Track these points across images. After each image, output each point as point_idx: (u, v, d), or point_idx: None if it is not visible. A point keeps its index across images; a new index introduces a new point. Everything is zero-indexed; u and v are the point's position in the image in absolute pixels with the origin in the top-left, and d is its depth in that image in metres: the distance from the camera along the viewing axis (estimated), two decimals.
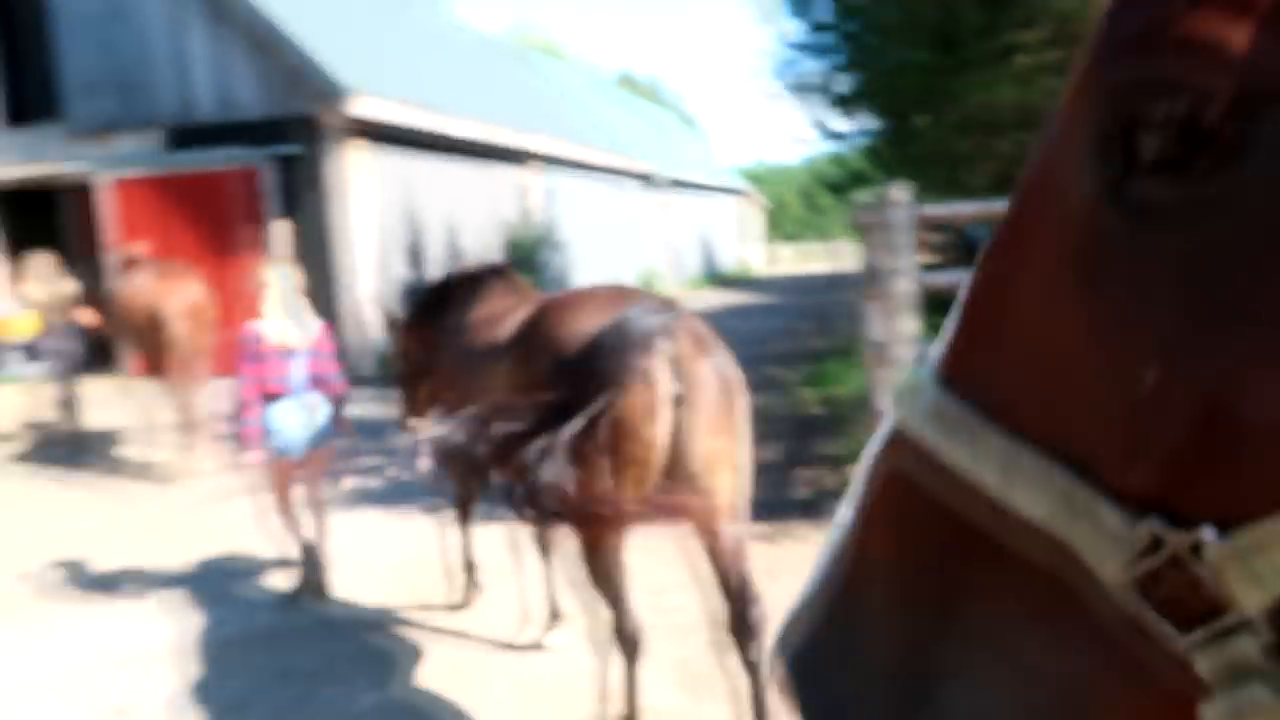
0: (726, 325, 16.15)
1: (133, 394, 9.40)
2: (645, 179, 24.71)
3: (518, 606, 4.60)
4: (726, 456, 2.97)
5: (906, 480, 0.69)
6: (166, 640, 4.57)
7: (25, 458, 8.93)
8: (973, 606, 0.66)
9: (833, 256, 59.55)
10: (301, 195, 12.21)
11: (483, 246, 15.52)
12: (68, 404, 9.39)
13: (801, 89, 10.72)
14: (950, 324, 0.69)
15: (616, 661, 3.35)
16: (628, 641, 3.18)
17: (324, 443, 4.74)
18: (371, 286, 12.33)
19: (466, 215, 14.97)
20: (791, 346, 14.69)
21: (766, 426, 9.09)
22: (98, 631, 4.73)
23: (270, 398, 4.56)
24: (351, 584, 5.27)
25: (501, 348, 3.47)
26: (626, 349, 2.80)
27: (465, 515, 4.69)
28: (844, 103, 10.69)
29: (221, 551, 5.85)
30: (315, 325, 4.74)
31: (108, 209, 12.70)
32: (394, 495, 6.96)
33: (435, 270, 14.07)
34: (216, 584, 5.34)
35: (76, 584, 5.44)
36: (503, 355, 3.43)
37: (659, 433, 2.84)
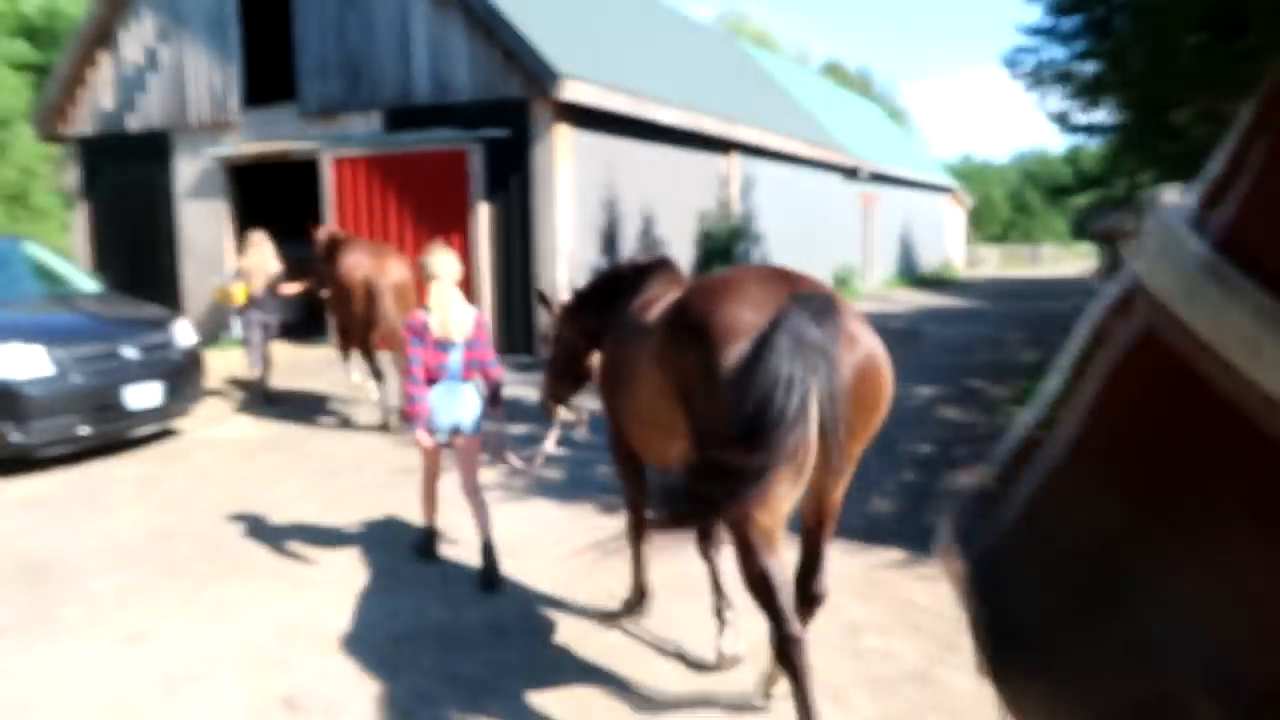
0: (925, 330, 15.14)
1: (341, 364, 9.85)
2: (848, 172, 23.77)
3: (704, 619, 4.29)
4: (857, 455, 3.12)
5: (1161, 345, 0.60)
6: (339, 628, 4.53)
7: (229, 420, 9.45)
8: (1204, 503, 0.58)
9: (1040, 261, 56.06)
10: (507, 178, 12.36)
11: (678, 234, 15.29)
12: (266, 368, 10.21)
13: (1040, 79, 9.72)
14: (1215, 171, 0.60)
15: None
16: (785, 659, 3.03)
17: (475, 429, 4.99)
18: (570, 271, 12.33)
19: (664, 202, 14.77)
20: (998, 357, 13.60)
21: (969, 447, 8.35)
22: (275, 610, 4.77)
23: (428, 383, 4.91)
24: (527, 578, 5.10)
25: (650, 330, 3.48)
26: (788, 349, 2.77)
27: (639, 521, 4.36)
28: (1088, 93, 9.61)
29: (403, 532, 5.85)
30: (470, 315, 4.97)
31: (329, 185, 13.35)
32: (574, 488, 6.79)
33: (630, 253, 13.96)
34: (394, 568, 5.31)
35: (260, 556, 5.56)
36: (650, 338, 3.42)
37: (813, 434, 2.84)
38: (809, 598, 3.34)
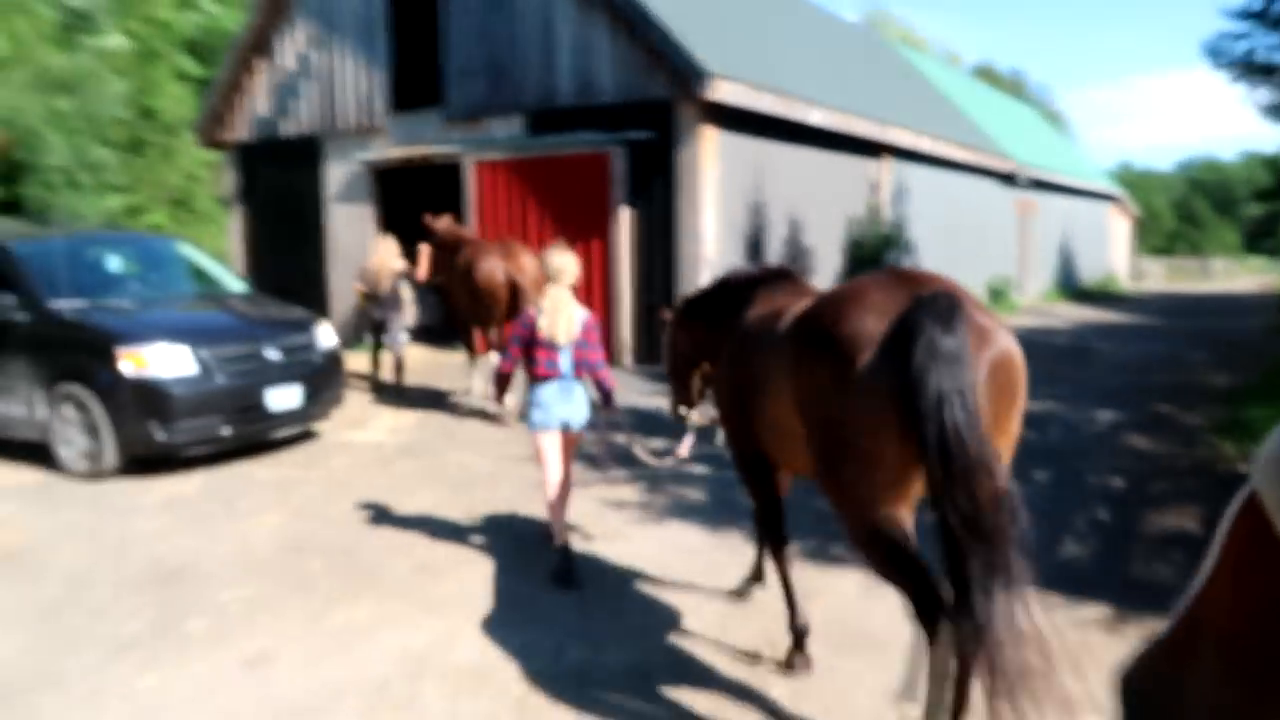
0: (1095, 348, 13.80)
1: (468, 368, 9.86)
2: (1005, 178, 22.36)
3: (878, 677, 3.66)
4: (1007, 450, 3.07)
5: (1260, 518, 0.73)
6: (470, 662, 4.12)
7: (368, 424, 9.32)
8: None
9: (1210, 275, 51.94)
10: (650, 181, 11.95)
11: (826, 241, 14.55)
12: (398, 369, 10.85)
13: (1249, 68, 8.58)
14: None
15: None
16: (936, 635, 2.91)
17: (579, 425, 5.12)
18: (711, 259, 11.82)
19: (811, 208, 14.06)
20: (1182, 379, 12.26)
21: (1168, 482, 7.33)
22: (403, 638, 4.41)
23: (540, 379, 5.02)
24: (674, 613, 4.58)
25: (779, 340, 3.47)
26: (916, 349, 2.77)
27: (778, 540, 4.13)
28: None
29: (540, 554, 5.43)
30: (581, 317, 5.06)
31: (471, 188, 13.27)
32: (719, 511, 6.24)
33: (776, 262, 13.32)
34: (531, 595, 4.88)
35: (391, 574, 5.24)
36: (780, 348, 3.41)
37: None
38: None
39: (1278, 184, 10.96)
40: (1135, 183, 70.06)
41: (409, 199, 16.25)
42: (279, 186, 15.81)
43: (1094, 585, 5.03)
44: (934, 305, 2.83)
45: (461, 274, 9.41)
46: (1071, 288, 28.90)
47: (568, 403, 5.05)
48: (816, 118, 13.25)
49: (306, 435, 8.50)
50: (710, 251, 11.78)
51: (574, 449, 5.24)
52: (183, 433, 7.09)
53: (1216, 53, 9.39)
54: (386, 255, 10.90)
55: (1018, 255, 24.09)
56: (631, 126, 11.94)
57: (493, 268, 9.04)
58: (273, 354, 7.66)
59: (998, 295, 22.02)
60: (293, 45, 15.25)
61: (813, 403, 3.11)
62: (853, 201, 15.38)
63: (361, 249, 14.87)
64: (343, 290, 15.16)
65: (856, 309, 3.00)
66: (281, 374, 7.67)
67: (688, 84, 11.22)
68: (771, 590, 4.64)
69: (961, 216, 19.98)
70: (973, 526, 2.66)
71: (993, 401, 2.91)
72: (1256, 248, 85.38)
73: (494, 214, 13.13)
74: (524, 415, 5.31)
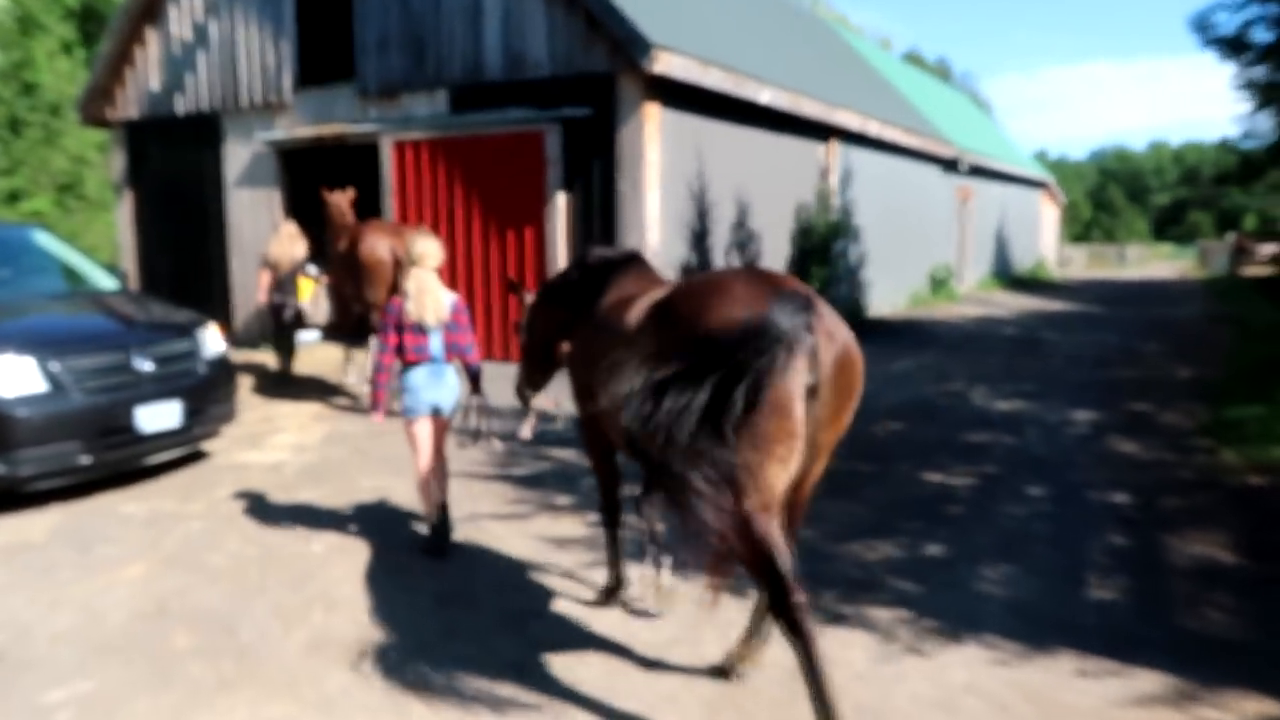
0: (1046, 339, 13.21)
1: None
2: (947, 165, 21.82)
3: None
4: (833, 443, 3.28)
5: None
6: None
7: (268, 440, 8.09)
8: None
9: (1126, 263, 52.86)
10: (588, 163, 10.87)
11: (774, 229, 13.65)
12: (286, 356, 10.89)
13: (1240, 44, 7.90)
14: None
15: None
16: (793, 626, 2.99)
17: (450, 409, 5.19)
18: (657, 249, 10.82)
19: (758, 194, 13.14)
20: (1146, 374, 11.70)
21: (1179, 498, 6.49)
22: None
23: (410, 365, 5.04)
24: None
25: (634, 330, 3.57)
26: (775, 340, 2.90)
27: (613, 508, 4.45)
28: None
29: (482, 622, 4.36)
30: (449, 301, 5.12)
31: (389, 171, 12.01)
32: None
33: (721, 252, 12.37)
34: (457, 687, 3.81)
35: (278, 655, 4.11)
36: (635, 337, 3.50)
37: (802, 418, 2.98)
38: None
39: (1241, 171, 10.54)
40: (1052, 171, 71.38)
41: (319, 182, 14.84)
42: (173, 169, 14.29)
43: (1143, 644, 4.17)
44: (792, 300, 3.01)
45: (344, 254, 9.20)
46: (1006, 276, 28.70)
47: (438, 387, 5.11)
48: (766, 97, 12.31)
49: (191, 457, 7.24)
50: (654, 239, 10.77)
51: (445, 433, 5.26)
52: (28, 464, 5.80)
53: (1203, 26, 8.77)
54: (289, 242, 10.05)
55: (958, 243, 23.64)
56: (567, 103, 10.84)
57: (375, 243, 8.83)
58: (145, 364, 6.40)
59: (939, 285, 21.50)
60: (188, 12, 13.72)
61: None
62: (800, 186, 14.52)
63: (267, 237, 13.47)
64: (247, 284, 13.73)
65: (719, 300, 3.12)
66: (156, 388, 6.41)
67: (630, 56, 10.16)
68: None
69: (905, 203, 19.34)
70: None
71: (836, 397, 3.13)
72: (1164, 235, 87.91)
73: (416, 199, 11.90)
74: (374, 402, 5.25)
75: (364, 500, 6.30)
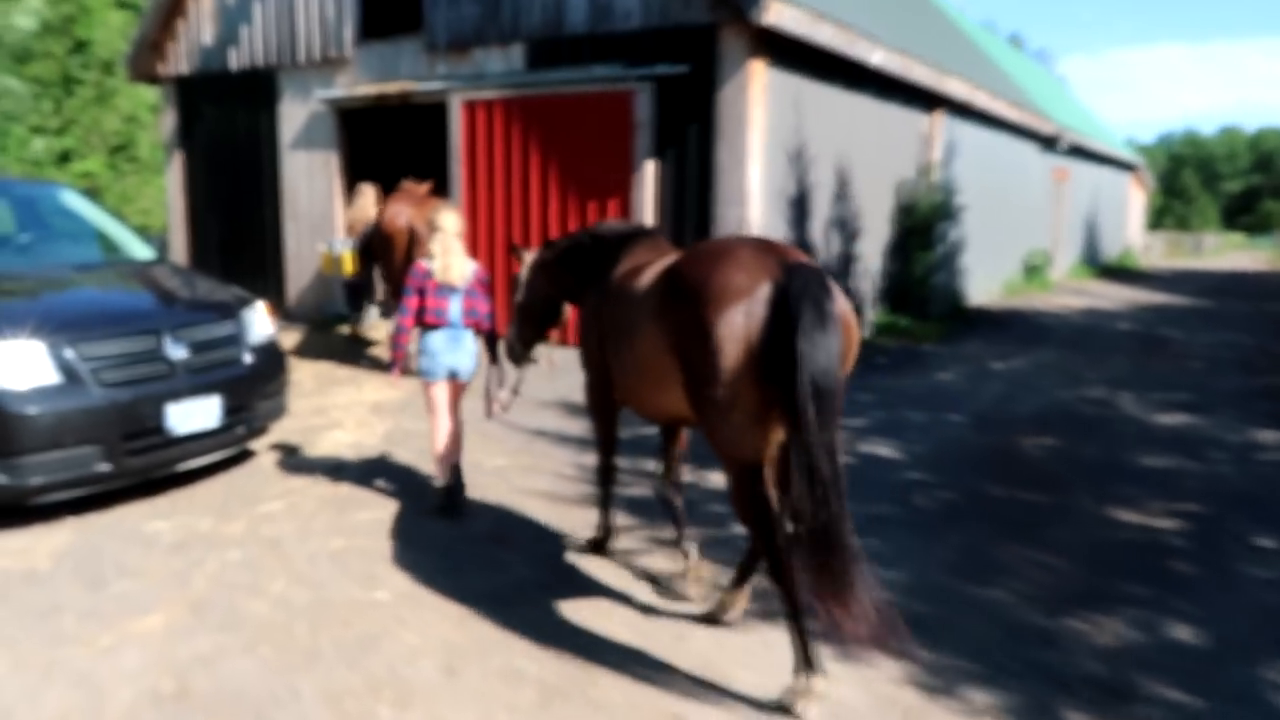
0: (1167, 336, 11.26)
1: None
2: (1045, 143, 20.14)
3: None
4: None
5: None
6: None
7: (323, 437, 7.02)
8: None
9: (1202, 252, 49.98)
10: (683, 128, 9.61)
11: (873, 207, 12.30)
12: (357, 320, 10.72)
13: None
14: None
15: None
16: (780, 572, 3.22)
17: (467, 374, 5.25)
18: (758, 223, 9.58)
19: (860, 166, 11.79)
20: None
21: None
22: None
23: (429, 328, 5.14)
24: None
25: (645, 293, 3.69)
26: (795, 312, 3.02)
27: (609, 465, 4.57)
28: None
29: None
30: (471, 267, 5.23)
31: (457, 134, 10.88)
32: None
33: (821, 231, 11.07)
34: None
35: None
36: (647, 299, 3.63)
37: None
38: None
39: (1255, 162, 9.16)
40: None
41: (381, 145, 13.82)
42: (226, 130, 13.31)
43: None
44: (802, 272, 3.12)
45: (375, 226, 9.40)
46: (1095, 263, 26.89)
47: (455, 351, 5.17)
48: (878, 58, 10.93)
49: (232, 459, 6.19)
50: (755, 215, 9.50)
51: (461, 396, 5.34)
52: (36, 471, 4.77)
53: None
54: (364, 205, 9.55)
55: (1051, 227, 21.95)
56: (661, 59, 9.59)
57: (396, 212, 8.89)
58: (178, 352, 5.33)
59: (1033, 272, 19.90)
60: None
61: (680, 346, 3.32)
62: (900, 160, 13.11)
63: (325, 204, 12.45)
64: (301, 253, 12.74)
65: (726, 265, 3.24)
66: (192, 380, 5.35)
67: (736, 5, 8.86)
68: None
69: (1004, 183, 17.78)
70: (824, 470, 2.91)
71: (842, 360, 3.21)
72: (1235, 223, 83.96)
73: (486, 165, 10.75)
74: (394, 362, 5.32)
75: (437, 525, 5.19)
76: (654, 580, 4.44)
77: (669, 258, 3.87)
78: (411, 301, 5.12)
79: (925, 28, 16.54)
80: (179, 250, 14.06)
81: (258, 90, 12.83)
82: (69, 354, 4.89)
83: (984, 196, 16.27)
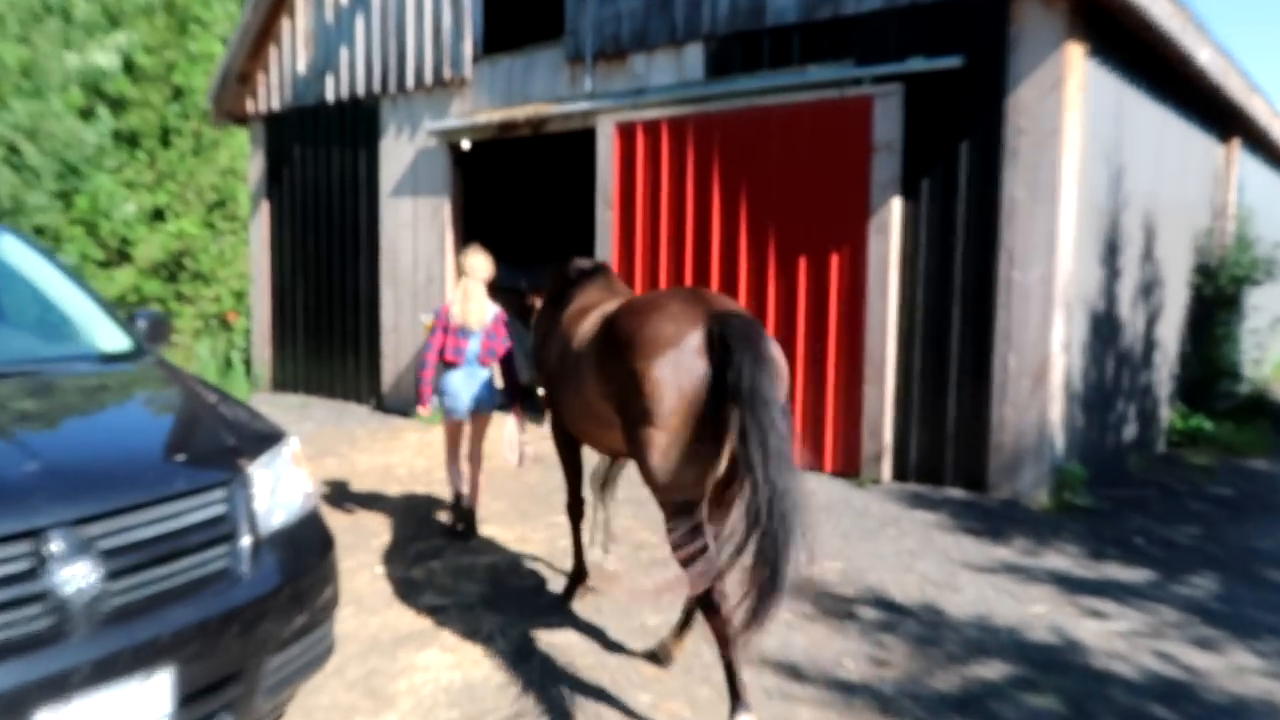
0: None
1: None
2: None
3: None
4: None
5: None
6: None
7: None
8: None
9: None
10: (947, 149, 6.49)
11: (1173, 256, 8.82)
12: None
13: None
14: None
15: None
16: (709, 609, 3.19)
17: (485, 409, 5.57)
18: (1067, 328, 6.29)
19: (1161, 209, 8.37)
20: None
21: None
22: None
23: (448, 366, 5.52)
24: None
25: (586, 340, 3.82)
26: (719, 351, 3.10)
27: (576, 502, 4.57)
28: None
29: None
30: (492, 311, 5.57)
31: (609, 169, 8.03)
32: None
33: (1130, 300, 7.72)
34: None
35: None
36: (588, 347, 3.75)
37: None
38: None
39: None
40: None
41: (503, 189, 11.14)
42: (318, 174, 10.87)
43: None
44: (730, 320, 3.17)
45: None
46: None
47: (474, 386, 5.49)
48: (1205, 56, 7.59)
49: None
50: (1063, 279, 6.24)
51: (485, 428, 5.66)
52: None
53: None
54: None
55: None
56: (911, 51, 6.54)
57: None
58: (80, 574, 2.39)
59: None
60: None
61: (617, 395, 3.40)
62: (1195, 205, 9.62)
63: (431, 264, 9.76)
64: (400, 324, 10.05)
65: (654, 317, 3.31)
66: (110, 641, 2.39)
67: None
68: None
69: None
70: (776, 502, 2.86)
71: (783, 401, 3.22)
72: None
73: (647, 206, 7.85)
74: (419, 396, 5.63)
75: None
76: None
77: (613, 303, 3.96)
78: (436, 339, 5.51)
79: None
80: (261, 322, 11.60)
81: (357, 125, 10.34)
82: None
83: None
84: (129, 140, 17.03)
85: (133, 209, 16.44)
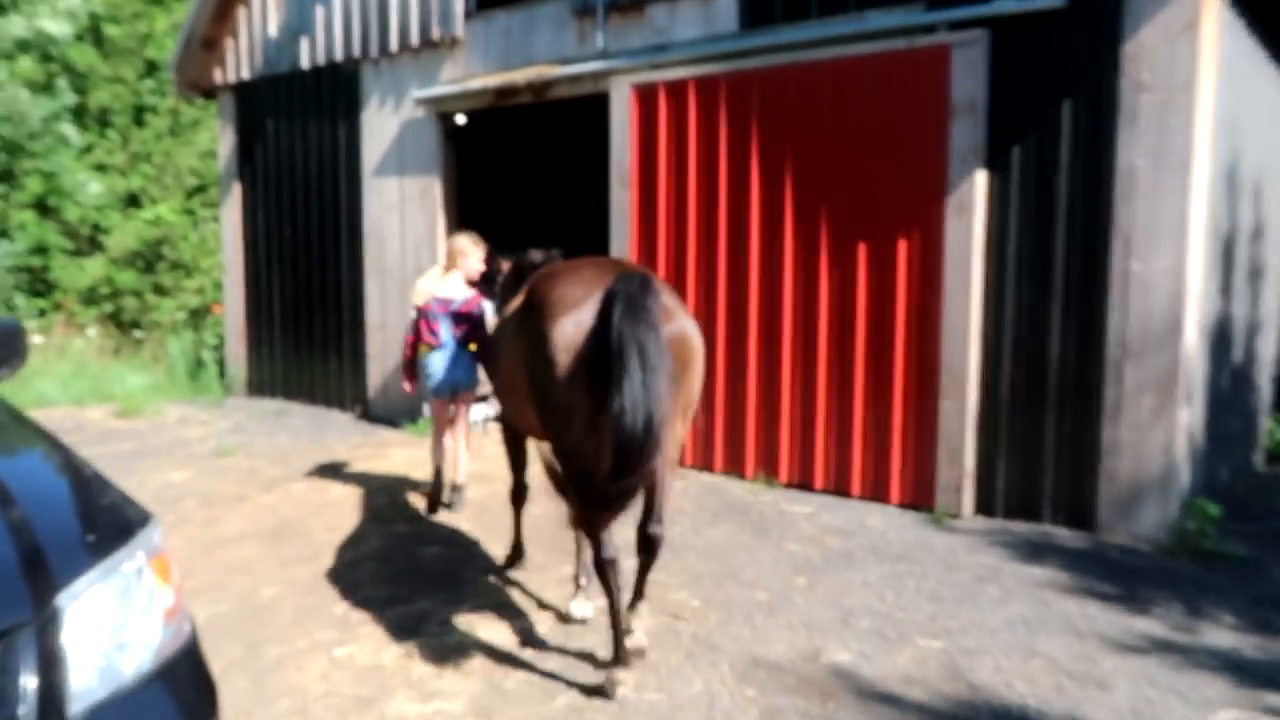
0: None
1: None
2: None
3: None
4: (680, 412, 3.52)
5: None
6: None
7: None
8: None
9: None
10: (1042, 109, 5.28)
11: (1276, 247, 7.61)
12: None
13: None
14: None
15: None
16: (602, 576, 3.43)
17: (464, 389, 5.76)
18: (1197, 332, 5.10)
19: (1269, 169, 7.15)
20: None
21: None
22: None
23: (428, 349, 5.68)
24: None
25: (509, 318, 4.09)
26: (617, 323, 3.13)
27: (519, 487, 4.76)
28: None
29: None
30: (463, 296, 5.67)
31: (626, 136, 6.82)
32: None
33: (1244, 288, 6.53)
34: None
35: None
36: (509, 324, 4.03)
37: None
38: (647, 540, 3.60)
39: None
40: None
41: (502, 167, 9.97)
42: (293, 151, 9.66)
43: None
44: (630, 280, 3.23)
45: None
46: None
47: (453, 367, 5.65)
48: None
49: None
50: (1195, 271, 5.04)
51: (468, 407, 5.94)
52: None
53: None
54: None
55: None
56: None
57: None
58: None
59: None
60: None
61: (527, 362, 3.55)
62: None
63: (420, 252, 8.57)
64: (387, 321, 8.86)
65: (564, 281, 3.49)
66: None
67: None
68: None
69: None
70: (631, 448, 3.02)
71: (676, 374, 3.34)
72: None
73: (671, 183, 6.64)
74: (402, 379, 5.92)
75: None
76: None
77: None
78: (419, 324, 5.73)
79: None
80: (235, 318, 10.41)
81: (335, 94, 9.13)
82: None
83: None
84: (98, 119, 15.82)
85: (97, 189, 15.18)
